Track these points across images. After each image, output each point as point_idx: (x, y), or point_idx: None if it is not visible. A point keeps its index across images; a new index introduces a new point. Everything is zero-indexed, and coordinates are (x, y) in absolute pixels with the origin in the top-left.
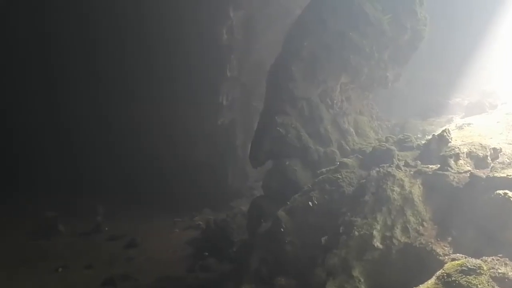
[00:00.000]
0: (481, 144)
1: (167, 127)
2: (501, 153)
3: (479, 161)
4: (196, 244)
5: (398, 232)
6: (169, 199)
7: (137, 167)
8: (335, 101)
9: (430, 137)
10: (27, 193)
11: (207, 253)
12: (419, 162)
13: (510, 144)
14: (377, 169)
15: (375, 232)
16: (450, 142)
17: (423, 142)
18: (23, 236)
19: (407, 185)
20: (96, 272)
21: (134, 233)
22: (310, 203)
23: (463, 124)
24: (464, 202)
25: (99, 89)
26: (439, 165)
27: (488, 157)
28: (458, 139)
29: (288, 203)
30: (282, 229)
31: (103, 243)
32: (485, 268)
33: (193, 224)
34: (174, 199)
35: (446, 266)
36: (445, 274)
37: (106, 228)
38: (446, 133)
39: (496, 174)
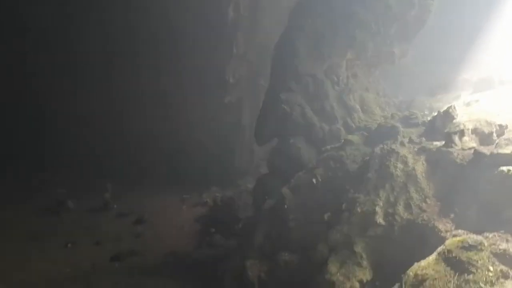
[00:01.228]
0: (486, 120)
1: (174, 107)
2: (507, 130)
3: (484, 138)
4: (203, 221)
5: (400, 208)
6: (177, 177)
7: (146, 147)
8: (340, 78)
9: (436, 113)
10: (38, 171)
11: (213, 230)
12: (423, 139)
13: None
14: (381, 146)
15: (377, 209)
16: (456, 118)
17: (428, 119)
18: (34, 212)
19: (410, 162)
20: (104, 248)
21: (142, 210)
22: (314, 180)
23: (470, 100)
24: (467, 179)
25: (109, 69)
26: (443, 142)
27: (494, 134)
28: (465, 116)
29: (292, 180)
30: (285, 206)
31: (111, 220)
32: (486, 244)
33: (201, 201)
34: (182, 178)
35: (447, 242)
36: (446, 250)
37: (115, 205)
38: (452, 109)
39: (500, 151)
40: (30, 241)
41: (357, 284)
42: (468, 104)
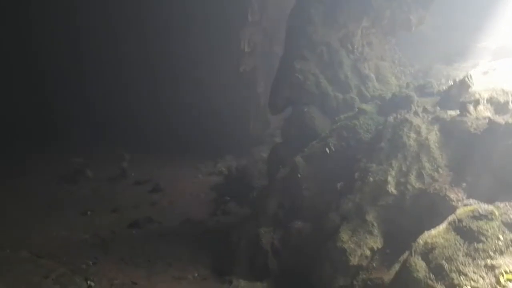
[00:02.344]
0: (503, 89)
1: (188, 76)
2: None
3: (500, 107)
4: (218, 189)
5: (412, 178)
6: (192, 146)
7: (160, 116)
8: (355, 46)
9: (451, 82)
10: (56, 141)
11: (228, 198)
12: (438, 108)
13: None
14: (394, 115)
15: (389, 178)
16: (471, 87)
17: (444, 88)
18: (53, 181)
19: (423, 131)
20: (122, 215)
21: (158, 178)
22: (327, 149)
23: (488, 69)
24: (481, 148)
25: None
26: (458, 111)
27: (510, 103)
28: (481, 85)
29: (306, 149)
30: (299, 175)
31: (128, 188)
32: (497, 213)
33: (216, 170)
34: (197, 147)
35: (458, 211)
36: (456, 219)
37: (132, 174)
38: (468, 78)
39: None
40: (49, 209)
41: (368, 252)
42: (485, 73)
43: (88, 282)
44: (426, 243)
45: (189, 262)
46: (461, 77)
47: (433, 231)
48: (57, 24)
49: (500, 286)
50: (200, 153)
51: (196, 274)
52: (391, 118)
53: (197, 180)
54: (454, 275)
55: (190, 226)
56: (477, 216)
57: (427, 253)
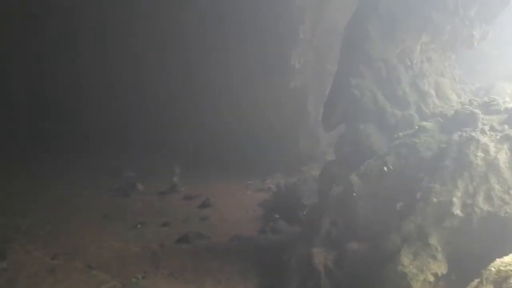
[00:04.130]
0: None
1: (237, 93)
2: None
3: None
4: (267, 206)
5: (480, 199)
6: (241, 163)
7: (210, 132)
8: (414, 62)
9: None
10: (109, 154)
11: (277, 215)
12: (506, 127)
13: None
14: (459, 133)
15: (455, 199)
16: None
17: (511, 105)
18: (105, 193)
19: (492, 150)
20: (171, 229)
21: (208, 194)
22: (385, 168)
23: None
24: None
25: (182, 57)
26: None
27: None
28: None
29: (362, 167)
30: (354, 194)
31: (178, 202)
32: None
33: (264, 187)
34: (246, 164)
35: None
36: None
37: (182, 189)
38: None
39: None
40: (103, 221)
41: (431, 277)
42: None
43: None
44: (499, 271)
45: (239, 279)
46: None
47: (506, 258)
48: (111, 43)
49: None
50: (248, 171)
51: None
52: (455, 136)
53: (246, 197)
54: None
55: (240, 242)
56: None
57: (501, 282)
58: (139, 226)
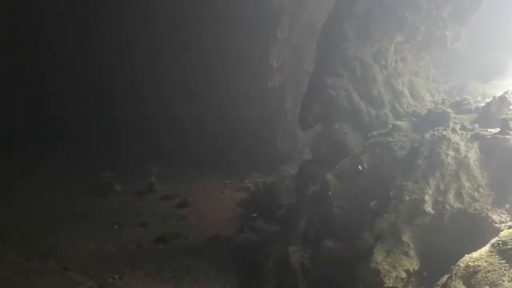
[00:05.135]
0: None
1: (216, 91)
2: None
3: None
4: (245, 206)
5: (451, 197)
6: (219, 162)
7: (188, 132)
8: (389, 62)
9: (490, 99)
10: (85, 154)
11: (256, 215)
12: (477, 126)
13: None
14: (432, 132)
15: (426, 197)
16: None
17: (482, 105)
18: (82, 193)
19: (462, 149)
20: (149, 230)
21: (186, 193)
22: (359, 166)
23: None
24: None
25: (156, 55)
26: (498, 129)
27: None
28: None
29: (337, 166)
30: (330, 193)
31: (156, 203)
32: None
33: (243, 186)
34: (224, 163)
35: (502, 233)
36: (500, 242)
37: (160, 188)
38: (508, 95)
39: None
40: (78, 221)
41: (403, 274)
42: None
43: None
44: (467, 266)
45: (216, 279)
46: (501, 93)
47: (474, 254)
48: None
49: None
50: (227, 170)
51: None
52: (428, 135)
53: (224, 196)
54: None
55: (218, 242)
56: None
57: (469, 277)
58: (116, 226)
